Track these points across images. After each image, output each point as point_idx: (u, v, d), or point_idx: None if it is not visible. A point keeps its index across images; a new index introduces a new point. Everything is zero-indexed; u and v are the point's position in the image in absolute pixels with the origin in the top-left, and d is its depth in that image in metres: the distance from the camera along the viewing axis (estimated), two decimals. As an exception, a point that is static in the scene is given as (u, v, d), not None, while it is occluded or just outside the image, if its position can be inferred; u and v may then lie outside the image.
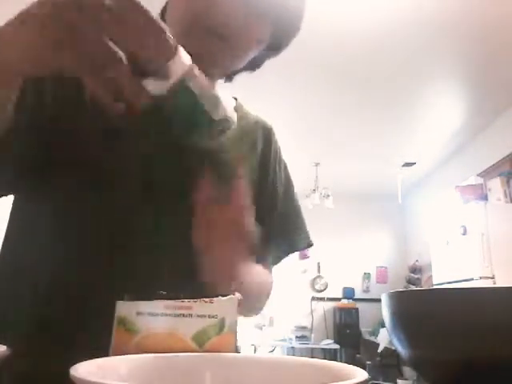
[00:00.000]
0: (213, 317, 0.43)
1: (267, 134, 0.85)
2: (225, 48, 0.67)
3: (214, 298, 0.44)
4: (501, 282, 3.37)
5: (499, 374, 0.40)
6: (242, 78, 0.86)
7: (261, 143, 0.83)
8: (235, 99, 0.86)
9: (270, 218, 0.80)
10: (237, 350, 0.82)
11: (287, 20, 0.72)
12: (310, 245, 0.88)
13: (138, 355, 0.39)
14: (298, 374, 0.38)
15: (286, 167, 0.88)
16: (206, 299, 0.44)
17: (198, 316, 0.43)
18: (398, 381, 4.80)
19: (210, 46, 0.66)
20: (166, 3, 0.75)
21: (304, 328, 6.10)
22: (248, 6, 0.65)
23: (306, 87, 3.65)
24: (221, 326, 0.43)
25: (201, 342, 0.43)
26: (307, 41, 3.00)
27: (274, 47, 0.75)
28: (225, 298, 0.44)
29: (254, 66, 0.79)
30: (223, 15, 0.64)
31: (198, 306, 0.43)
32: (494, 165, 4.04)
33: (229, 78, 0.82)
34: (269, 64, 0.82)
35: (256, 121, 0.85)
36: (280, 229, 0.82)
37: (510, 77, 3.42)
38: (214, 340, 0.43)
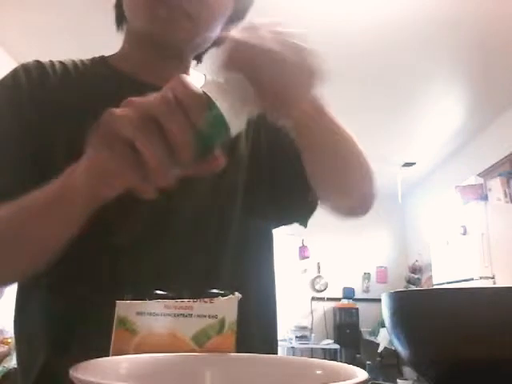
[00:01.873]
0: (213, 317, 0.43)
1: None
2: (191, 26, 0.65)
3: (214, 298, 0.44)
4: (501, 282, 3.37)
5: (499, 373, 0.40)
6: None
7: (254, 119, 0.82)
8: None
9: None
10: (271, 351, 0.76)
11: None
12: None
13: (138, 355, 0.39)
14: (298, 373, 0.38)
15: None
16: (206, 299, 0.44)
17: (198, 316, 0.43)
18: (398, 381, 4.80)
19: (176, 26, 0.65)
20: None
21: (304, 328, 6.09)
22: None
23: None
24: (221, 326, 0.43)
25: (201, 342, 0.43)
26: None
27: (235, 18, 0.74)
28: (225, 297, 0.44)
29: (219, 41, 0.76)
30: None
31: (198, 306, 0.43)
32: (494, 165, 4.03)
33: (198, 58, 0.80)
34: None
35: None
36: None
37: (510, 77, 3.42)
38: (213, 340, 0.43)
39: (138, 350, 0.41)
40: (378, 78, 3.51)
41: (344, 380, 0.28)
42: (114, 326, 0.43)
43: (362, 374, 0.31)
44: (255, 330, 0.70)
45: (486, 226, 3.63)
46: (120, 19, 0.75)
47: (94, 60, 0.76)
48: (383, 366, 5.17)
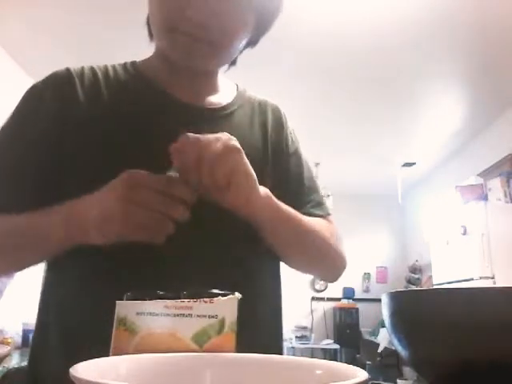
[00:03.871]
0: (213, 317, 0.43)
1: (276, 113, 0.86)
2: (211, 52, 0.68)
3: (214, 298, 0.44)
4: (501, 282, 3.37)
5: (499, 373, 0.40)
6: (241, 80, 0.86)
7: (271, 122, 0.84)
8: (236, 85, 0.86)
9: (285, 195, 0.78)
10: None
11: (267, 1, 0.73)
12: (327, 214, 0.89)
13: (138, 355, 0.39)
14: (298, 373, 0.38)
15: (297, 148, 0.87)
16: (206, 299, 0.44)
17: (198, 316, 0.43)
18: (398, 381, 4.80)
19: (197, 53, 0.67)
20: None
21: (304, 328, 6.09)
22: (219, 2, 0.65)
23: (306, 87, 3.65)
24: (221, 326, 0.43)
25: (201, 342, 0.43)
26: (307, 41, 3.00)
27: (263, 26, 0.75)
28: (225, 297, 0.44)
29: (250, 44, 0.78)
30: (197, 17, 0.63)
31: (198, 305, 0.43)
32: (493, 165, 4.03)
33: (232, 62, 0.81)
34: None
35: (261, 102, 0.86)
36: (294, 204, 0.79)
37: (510, 77, 3.42)
38: (213, 340, 0.43)
39: (138, 350, 0.41)
40: (378, 78, 3.51)
41: (344, 380, 0.28)
42: (114, 326, 0.43)
43: (362, 374, 0.31)
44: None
45: (486, 226, 3.62)
46: (151, 34, 0.76)
47: (125, 67, 0.78)
48: (383, 365, 5.17)
